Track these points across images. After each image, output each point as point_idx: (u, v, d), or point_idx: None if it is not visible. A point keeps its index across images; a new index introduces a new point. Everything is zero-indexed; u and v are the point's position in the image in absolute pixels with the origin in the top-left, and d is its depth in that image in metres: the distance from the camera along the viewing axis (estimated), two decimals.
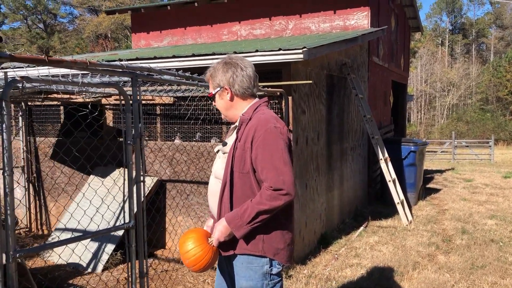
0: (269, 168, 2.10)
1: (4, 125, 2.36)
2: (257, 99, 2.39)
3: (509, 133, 38.57)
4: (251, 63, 2.39)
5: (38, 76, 2.62)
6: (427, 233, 6.64)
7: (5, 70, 2.65)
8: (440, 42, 61.95)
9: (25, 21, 45.53)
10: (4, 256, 2.37)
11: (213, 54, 5.10)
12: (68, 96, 5.90)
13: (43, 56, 2.57)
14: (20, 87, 3.29)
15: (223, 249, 2.29)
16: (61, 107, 6.60)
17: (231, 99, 2.34)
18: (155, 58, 5.41)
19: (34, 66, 4.69)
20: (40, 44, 42.00)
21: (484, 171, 14.95)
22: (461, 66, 52.83)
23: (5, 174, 2.36)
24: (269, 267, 2.24)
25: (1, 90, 2.39)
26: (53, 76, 3.08)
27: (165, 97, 5.55)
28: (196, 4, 9.67)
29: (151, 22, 10.32)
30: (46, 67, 4.05)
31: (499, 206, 8.68)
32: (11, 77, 2.67)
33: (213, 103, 2.47)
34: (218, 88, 2.34)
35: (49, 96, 5.94)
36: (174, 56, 5.31)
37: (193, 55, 5.21)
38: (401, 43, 12.34)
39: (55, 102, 6.45)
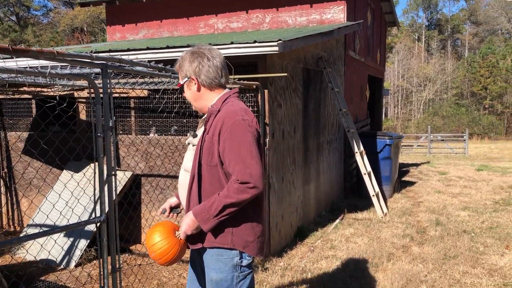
0: (237, 161, 2.08)
1: None
2: (226, 90, 2.35)
3: (482, 127, 39.48)
4: (221, 53, 2.34)
5: (3, 67, 2.53)
6: (402, 225, 6.73)
7: None
8: (416, 37, 62.85)
9: None
10: None
11: (188, 46, 5.03)
12: (39, 89, 5.76)
13: (6, 45, 2.49)
14: None
15: (191, 242, 2.28)
16: (33, 101, 6.44)
17: (198, 90, 2.31)
18: (128, 50, 5.32)
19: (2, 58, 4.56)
20: (13, 37, 40.96)
21: (458, 164, 15.25)
22: (437, 62, 53.76)
23: None
24: (239, 259, 2.22)
25: None
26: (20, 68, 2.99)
27: (139, 90, 5.47)
28: None
29: (126, 14, 10.15)
30: (13, 59, 3.95)
31: (472, 198, 8.87)
32: None
33: (183, 94, 2.44)
34: (186, 79, 2.31)
35: (20, 89, 5.80)
36: (148, 48, 5.23)
37: (168, 47, 5.15)
38: (378, 37, 12.44)
39: (26, 96, 6.30)
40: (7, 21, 45.05)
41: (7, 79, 3.96)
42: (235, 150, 2.09)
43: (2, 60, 4.25)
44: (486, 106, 45.46)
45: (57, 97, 3.34)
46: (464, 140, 22.20)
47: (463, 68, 49.85)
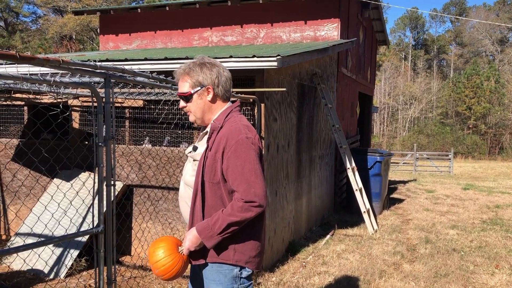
0: (241, 180, 2.07)
1: None
2: (229, 104, 2.31)
3: (466, 147, 40.06)
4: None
5: (10, 74, 2.51)
6: (392, 242, 6.76)
7: None
8: (403, 56, 63.89)
9: None
10: None
11: (186, 58, 5.04)
12: (33, 96, 5.70)
13: (14, 52, 2.47)
14: None
15: (193, 258, 2.25)
16: (25, 108, 6.37)
17: (213, 100, 2.25)
18: (126, 60, 5.31)
19: (2, 64, 4.52)
20: (0, 42, 40.56)
21: (444, 182, 15.42)
22: (423, 81, 54.63)
23: None
24: (239, 271, 2.21)
25: None
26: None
27: (134, 100, 5.45)
28: (167, 8, 9.58)
29: (120, 24, 10.15)
30: (15, 65, 3.91)
31: (460, 216, 8.96)
32: None
33: (180, 104, 2.32)
34: (199, 88, 2.22)
35: (13, 95, 5.73)
36: (146, 59, 5.23)
37: (166, 59, 5.15)
38: (368, 55, 12.62)
39: (19, 102, 6.23)
40: None
41: (3, 85, 3.92)
42: (239, 169, 2.08)
43: (2, 66, 4.21)
44: (470, 126, 46.19)
45: (61, 105, 3.31)
46: (449, 159, 22.48)
47: (448, 88, 50.71)
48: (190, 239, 2.16)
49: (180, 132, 5.73)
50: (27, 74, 2.97)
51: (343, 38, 8.69)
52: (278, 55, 4.67)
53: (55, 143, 5.10)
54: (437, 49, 64.89)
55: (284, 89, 5.21)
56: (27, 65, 3.92)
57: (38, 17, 48.14)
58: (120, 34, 10.18)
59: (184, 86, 2.25)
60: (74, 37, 42.36)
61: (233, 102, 2.36)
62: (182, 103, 2.30)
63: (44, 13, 47.39)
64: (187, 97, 2.25)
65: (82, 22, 38.71)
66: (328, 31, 8.55)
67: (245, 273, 2.22)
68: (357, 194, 7.35)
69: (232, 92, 4.63)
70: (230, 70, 4.84)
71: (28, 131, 6.28)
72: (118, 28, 10.18)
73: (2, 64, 4.50)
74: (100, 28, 10.57)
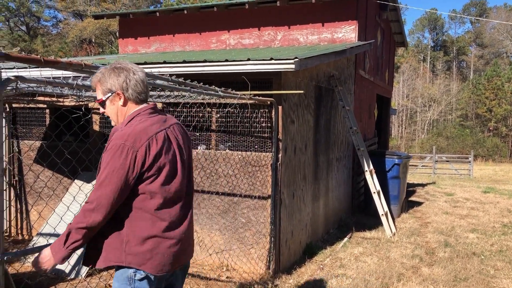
0: (96, 182, 2.06)
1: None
2: (140, 107, 2.24)
3: (487, 150, 39.36)
4: (141, 68, 2.30)
5: (35, 78, 2.58)
6: (410, 245, 6.70)
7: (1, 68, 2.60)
8: (422, 58, 63.19)
9: (7, 23, 44.85)
10: None
11: (205, 61, 5.10)
12: (55, 99, 5.82)
13: (38, 56, 2.54)
14: (14, 87, 3.24)
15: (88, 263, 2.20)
16: (47, 110, 6.50)
17: (124, 104, 2.22)
18: (145, 63, 5.39)
19: (26, 67, 4.63)
20: (22, 46, 41.38)
21: (464, 185, 15.20)
22: (442, 82, 53.93)
23: None
24: (133, 272, 2.11)
25: None
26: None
27: (160, 102, 5.52)
28: (185, 11, 9.68)
29: (139, 28, 10.28)
30: (38, 69, 4.00)
31: (480, 220, 8.83)
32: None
33: (100, 110, 2.33)
34: (109, 94, 2.21)
35: (35, 98, 5.86)
36: (164, 62, 5.30)
37: (184, 62, 5.21)
38: (386, 57, 12.54)
39: (41, 105, 6.36)
40: (17, 30, 45.57)
41: (26, 88, 4.01)
42: (101, 172, 2.06)
43: (26, 70, 4.32)
44: (490, 129, 45.42)
45: (82, 108, 3.37)
46: (469, 162, 22.13)
47: (468, 89, 49.97)
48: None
49: (198, 134, 5.79)
50: (50, 78, 3.04)
51: (361, 40, 8.66)
52: (296, 58, 4.68)
53: (77, 145, 5.20)
54: (456, 51, 64.02)
55: (302, 91, 5.22)
56: (50, 68, 4.02)
57: (58, 21, 49.01)
58: (139, 37, 10.31)
59: (98, 94, 2.27)
60: (93, 40, 43.02)
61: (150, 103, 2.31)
62: (101, 109, 2.31)
63: (65, 17, 48.23)
64: (102, 104, 2.27)
65: (101, 26, 39.27)
66: (346, 33, 8.53)
67: (138, 275, 2.11)
68: (375, 196, 7.31)
69: (250, 94, 4.69)
70: (248, 73, 4.92)
71: (50, 133, 6.40)
72: (137, 32, 10.32)
73: (26, 68, 4.61)
74: (119, 31, 10.72)
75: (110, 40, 42.51)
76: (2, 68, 4.61)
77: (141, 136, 2.07)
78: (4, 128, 6.50)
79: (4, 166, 6.66)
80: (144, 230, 2.09)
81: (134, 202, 2.10)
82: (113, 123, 2.31)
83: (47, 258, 2.11)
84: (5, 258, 2.41)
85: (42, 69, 3.60)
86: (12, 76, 2.45)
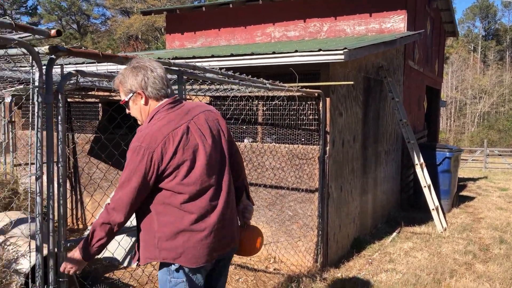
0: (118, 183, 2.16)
1: (59, 117, 2.41)
2: (161, 102, 2.24)
3: None
4: (160, 64, 2.31)
5: (95, 72, 2.67)
6: (463, 241, 6.48)
7: (62, 63, 2.70)
8: (472, 48, 60.67)
9: (59, 21, 46.74)
10: (49, 246, 2.43)
11: (252, 54, 5.11)
12: (107, 93, 6.02)
13: (97, 51, 2.62)
14: (75, 81, 3.37)
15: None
16: (100, 105, 6.72)
17: (146, 103, 2.24)
18: (194, 57, 5.46)
19: (82, 63, 4.80)
20: (74, 44, 42.96)
21: None
22: (494, 73, 51.61)
23: (59, 165, 2.42)
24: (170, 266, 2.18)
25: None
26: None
27: (204, 96, 5.59)
28: (230, 5, 9.72)
29: (185, 23, 10.43)
30: (94, 64, 4.15)
31: None
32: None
33: (126, 111, 2.35)
34: (131, 94, 2.23)
35: (89, 93, 6.08)
36: (212, 56, 5.35)
37: (232, 55, 5.24)
38: (436, 47, 12.13)
39: (94, 99, 6.59)
40: (69, 29, 47.37)
41: (85, 83, 4.17)
42: (122, 173, 2.13)
43: (83, 65, 4.47)
44: None
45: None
46: None
47: None
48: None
49: (244, 127, 5.82)
50: (105, 72, 3.13)
51: (410, 30, 8.41)
52: (345, 48, 4.61)
53: (125, 138, 5.35)
54: (510, 40, 60.99)
55: (352, 82, 5.13)
56: (106, 63, 4.14)
57: (107, 18, 50.57)
58: (186, 32, 10.46)
59: (121, 95, 2.30)
60: (140, 37, 44.04)
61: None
62: (127, 110, 2.35)
63: (112, 15, 49.68)
64: (126, 105, 2.31)
65: (147, 22, 40.14)
66: (394, 23, 8.31)
67: (174, 266, 2.16)
68: (426, 190, 7.11)
69: (297, 86, 4.66)
70: (295, 65, 4.89)
71: (104, 126, 6.62)
72: (183, 27, 10.47)
73: (81, 63, 4.78)
74: (166, 27, 10.92)
75: (156, 36, 43.39)
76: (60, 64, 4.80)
77: (157, 137, 2.09)
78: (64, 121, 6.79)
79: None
80: (173, 225, 2.12)
81: (161, 199, 2.14)
82: (139, 123, 2.34)
83: (76, 259, 2.20)
84: (68, 245, 2.53)
85: (98, 64, 3.72)
86: (73, 70, 2.55)
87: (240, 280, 4.78)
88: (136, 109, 2.28)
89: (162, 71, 2.26)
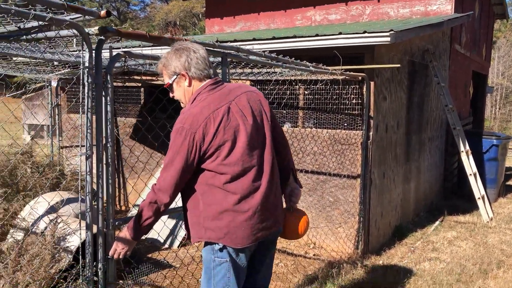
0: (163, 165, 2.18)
1: (108, 98, 2.44)
2: (203, 83, 2.24)
3: None
4: (202, 45, 2.30)
5: (140, 52, 2.69)
6: (510, 232, 6.24)
7: (110, 44, 2.73)
8: None
9: (100, 8, 47.66)
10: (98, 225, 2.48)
11: (294, 36, 5.02)
12: (150, 78, 6.09)
13: (144, 32, 2.63)
14: (122, 64, 3.41)
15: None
16: (142, 89, 6.82)
17: (190, 84, 2.24)
18: (234, 40, 5.43)
19: (125, 47, 4.87)
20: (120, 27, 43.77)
21: None
22: None
23: (108, 145, 2.46)
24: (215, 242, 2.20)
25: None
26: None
27: (243, 80, 5.57)
28: None
29: (225, 7, 10.39)
30: (140, 48, 4.19)
31: None
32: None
33: (170, 95, 2.35)
34: (175, 76, 2.24)
35: (132, 77, 6.17)
36: (254, 39, 5.30)
37: (274, 38, 5.17)
38: (484, 31, 11.61)
39: (136, 84, 6.69)
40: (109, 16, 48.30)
41: (129, 66, 4.22)
42: (166, 155, 2.16)
43: (128, 48, 4.53)
44: None
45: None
46: None
47: None
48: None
49: (285, 112, 5.76)
50: (149, 55, 3.14)
51: (457, 12, 8.06)
52: (391, 30, 4.46)
53: (167, 122, 5.40)
54: None
55: (398, 65, 4.96)
56: (150, 48, 4.17)
57: (146, 5, 51.23)
58: (225, 17, 10.42)
59: (165, 79, 2.30)
60: (178, 23, 44.43)
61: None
62: (171, 94, 2.35)
63: (151, 1, 50.27)
64: (170, 88, 2.30)
65: (185, 8, 40.42)
66: (441, 5, 7.98)
67: (217, 246, 2.18)
68: (471, 179, 6.87)
69: (341, 70, 4.55)
70: (339, 48, 4.77)
71: (147, 110, 6.72)
72: (222, 12, 10.43)
73: (129, 47, 4.83)
74: (206, 11, 10.92)
75: (194, 22, 43.66)
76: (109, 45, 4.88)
77: (198, 118, 2.10)
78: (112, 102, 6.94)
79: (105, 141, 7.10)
80: (217, 205, 2.14)
81: (205, 180, 2.16)
82: (182, 105, 2.35)
83: (126, 239, 2.25)
84: (116, 224, 2.58)
85: (142, 49, 3.77)
86: (121, 51, 2.57)
87: (279, 264, 4.78)
88: (180, 91, 2.29)
89: (204, 52, 2.27)
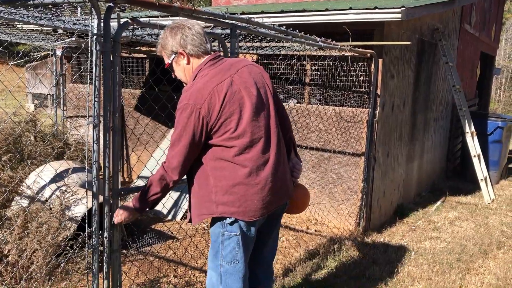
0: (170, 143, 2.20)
1: (116, 66, 2.41)
2: (203, 60, 2.23)
3: None
4: (197, 21, 2.30)
5: (148, 21, 2.64)
6: (511, 214, 6.26)
7: (118, 12, 2.68)
8: None
9: None
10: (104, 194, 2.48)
11: (303, 10, 4.94)
12: (154, 49, 6.02)
13: (153, 0, 2.58)
14: (130, 33, 3.36)
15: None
16: (147, 60, 6.76)
17: (188, 62, 2.24)
18: (242, 13, 5.34)
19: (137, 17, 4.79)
20: None
21: None
22: None
23: (116, 114, 2.44)
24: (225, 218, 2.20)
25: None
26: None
27: (254, 54, 5.51)
28: None
29: None
30: (147, 18, 4.13)
31: None
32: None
33: (172, 75, 2.35)
34: (173, 55, 2.24)
35: (137, 48, 6.10)
36: (262, 12, 5.21)
37: (282, 11, 5.09)
38: (495, 10, 11.43)
39: (141, 55, 6.62)
40: None
41: (136, 37, 4.16)
42: (173, 132, 2.16)
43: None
44: None
45: None
46: None
47: None
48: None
49: (291, 88, 5.72)
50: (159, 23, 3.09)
51: None
52: (403, 6, 4.38)
53: (171, 95, 5.37)
54: None
55: (409, 42, 4.89)
56: (157, 19, 4.10)
57: None
58: None
59: (165, 59, 2.31)
60: None
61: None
62: (173, 74, 2.36)
63: None
64: (170, 68, 2.31)
65: None
66: None
67: (229, 219, 2.18)
68: (475, 160, 6.86)
69: (350, 46, 4.49)
70: (348, 23, 4.70)
71: (147, 82, 6.67)
72: None
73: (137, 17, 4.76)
74: None
75: None
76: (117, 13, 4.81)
77: (202, 93, 2.09)
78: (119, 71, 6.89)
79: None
80: (228, 179, 2.14)
81: (214, 155, 2.15)
82: (184, 84, 2.34)
83: (130, 209, 2.31)
84: (122, 192, 2.59)
85: (150, 19, 3.71)
86: (129, 19, 2.53)
87: (281, 239, 4.82)
88: (180, 70, 2.29)
89: (200, 27, 2.26)
